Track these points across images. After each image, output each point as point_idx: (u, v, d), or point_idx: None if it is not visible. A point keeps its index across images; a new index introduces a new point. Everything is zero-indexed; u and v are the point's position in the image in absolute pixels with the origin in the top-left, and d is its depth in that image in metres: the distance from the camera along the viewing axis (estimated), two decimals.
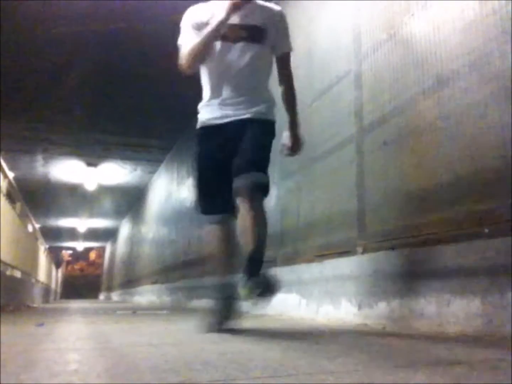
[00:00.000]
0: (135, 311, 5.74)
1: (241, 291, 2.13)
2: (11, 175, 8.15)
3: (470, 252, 2.09)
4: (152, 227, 12.17)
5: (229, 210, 2.33)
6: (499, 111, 2.02)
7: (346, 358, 1.41)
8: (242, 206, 2.19)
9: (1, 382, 1.09)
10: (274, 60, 2.47)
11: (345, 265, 3.05)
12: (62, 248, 29.37)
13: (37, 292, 12.28)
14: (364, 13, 3.13)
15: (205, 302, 6.24)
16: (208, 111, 2.39)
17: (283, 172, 4.09)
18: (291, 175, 3.89)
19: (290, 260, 3.80)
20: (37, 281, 12.39)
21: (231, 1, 2.21)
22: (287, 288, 3.57)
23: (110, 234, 22.28)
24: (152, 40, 5.71)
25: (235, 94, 2.32)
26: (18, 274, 8.76)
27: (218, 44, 2.31)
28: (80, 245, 27.26)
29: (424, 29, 2.53)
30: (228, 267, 2.39)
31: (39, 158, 10.38)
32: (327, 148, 3.48)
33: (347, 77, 3.27)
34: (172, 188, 9.92)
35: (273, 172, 2.61)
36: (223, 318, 2.28)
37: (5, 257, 6.60)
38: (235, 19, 2.29)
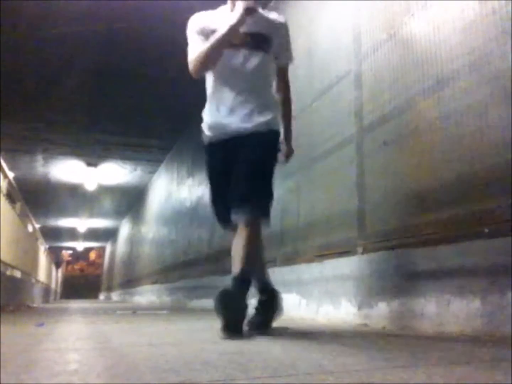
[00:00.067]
0: (135, 311, 5.74)
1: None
2: (11, 175, 8.16)
3: (470, 252, 2.09)
4: (152, 227, 12.17)
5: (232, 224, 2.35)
6: (499, 111, 2.02)
7: (346, 358, 1.41)
8: (239, 230, 2.23)
9: (1, 382, 1.09)
10: (277, 72, 2.49)
11: (345, 265, 3.05)
12: (62, 248, 29.37)
13: (37, 292, 12.28)
14: (364, 13, 3.13)
15: (205, 302, 6.25)
16: (213, 121, 2.38)
17: (283, 172, 4.10)
18: (291, 175, 3.89)
19: (290, 260, 3.80)
20: (37, 281, 12.39)
21: (244, 5, 2.17)
22: (287, 288, 3.57)
23: (110, 234, 22.28)
24: (152, 40, 5.71)
25: (239, 101, 2.31)
26: (18, 274, 8.76)
27: (226, 52, 2.29)
28: (80, 245, 27.26)
29: (424, 29, 2.53)
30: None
31: (39, 158, 10.38)
32: (327, 148, 3.48)
33: (347, 77, 3.27)
34: (172, 188, 9.92)
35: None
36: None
37: (5, 257, 6.60)
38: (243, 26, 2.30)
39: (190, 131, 8.02)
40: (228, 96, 2.32)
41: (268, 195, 2.30)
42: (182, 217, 8.67)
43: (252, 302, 2.31)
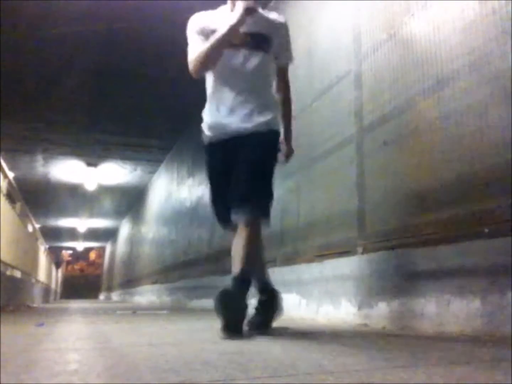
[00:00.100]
0: (135, 311, 5.74)
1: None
2: (11, 175, 8.16)
3: (470, 252, 2.09)
4: (152, 227, 12.17)
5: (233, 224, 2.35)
6: (499, 111, 2.02)
7: (346, 358, 1.42)
8: (239, 230, 2.23)
9: (1, 382, 1.09)
10: (277, 72, 2.49)
11: (345, 265, 3.05)
12: (62, 248, 29.37)
13: (37, 292, 12.28)
14: (364, 13, 3.13)
15: (205, 302, 6.25)
16: (213, 121, 2.38)
17: (283, 172, 4.10)
18: (291, 175, 3.89)
19: (290, 260, 3.80)
20: (37, 281, 12.39)
21: (244, 5, 2.17)
22: (287, 288, 3.57)
23: (110, 234, 22.28)
24: (152, 40, 5.71)
25: (239, 101, 2.31)
26: (18, 274, 8.76)
27: (227, 52, 2.29)
28: (80, 245, 27.26)
29: (424, 29, 2.53)
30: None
31: (39, 158, 10.38)
32: (327, 148, 3.48)
33: (347, 77, 3.27)
34: (172, 188, 9.92)
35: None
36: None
37: (5, 257, 6.60)
38: (243, 27, 2.30)
39: (190, 131, 8.02)
40: (228, 96, 2.32)
41: (268, 195, 2.30)
42: (182, 217, 8.68)
43: (252, 302, 2.31)
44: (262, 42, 2.34)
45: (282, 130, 2.48)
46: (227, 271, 5.37)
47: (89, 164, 10.78)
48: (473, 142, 2.16)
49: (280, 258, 3.97)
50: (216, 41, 2.22)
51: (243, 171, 2.27)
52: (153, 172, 11.82)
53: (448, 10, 2.37)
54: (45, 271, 15.21)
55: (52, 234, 20.42)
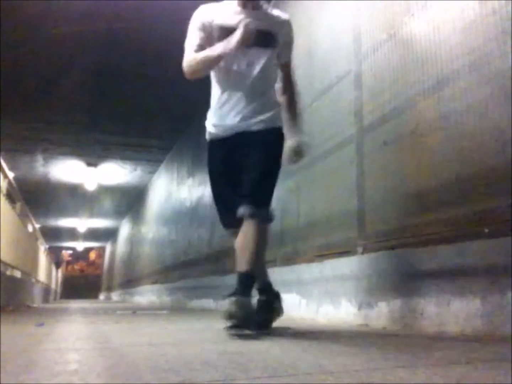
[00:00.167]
0: (135, 311, 5.75)
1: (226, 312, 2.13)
2: (11, 175, 8.16)
3: (470, 252, 2.09)
4: (152, 227, 12.17)
5: (238, 223, 2.33)
6: (499, 111, 2.02)
7: (346, 358, 1.41)
8: (246, 226, 2.23)
9: (1, 382, 1.09)
10: (280, 68, 2.51)
11: (345, 265, 3.05)
12: (62, 248, 29.38)
13: (37, 292, 12.28)
14: (364, 13, 3.13)
15: (205, 302, 6.25)
16: (218, 119, 2.38)
17: (283, 172, 4.09)
18: (291, 175, 3.89)
19: (290, 260, 3.80)
20: (37, 281, 12.39)
21: (242, 35, 2.17)
22: (287, 288, 3.57)
23: (110, 234, 22.28)
24: (152, 40, 5.71)
25: (246, 99, 2.31)
26: (18, 274, 8.76)
27: None
28: (80, 245, 27.27)
29: (424, 29, 2.53)
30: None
31: (39, 158, 10.38)
32: (327, 148, 3.48)
33: (347, 77, 3.27)
34: (172, 188, 9.92)
35: None
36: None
37: (5, 257, 6.60)
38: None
39: (190, 131, 8.02)
40: (234, 94, 2.33)
41: (272, 193, 2.33)
42: (182, 217, 8.68)
43: (253, 302, 2.31)
44: (269, 40, 2.36)
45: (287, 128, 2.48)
46: (227, 271, 5.38)
47: (89, 164, 10.79)
48: (473, 142, 2.16)
49: (280, 258, 3.97)
50: (208, 59, 2.23)
51: (255, 169, 2.28)
52: (153, 172, 11.82)
53: (448, 10, 2.37)
54: (45, 271, 15.21)
55: (52, 234, 20.42)
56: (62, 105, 7.68)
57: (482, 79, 2.13)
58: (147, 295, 11.67)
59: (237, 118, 2.32)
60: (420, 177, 2.49)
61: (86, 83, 6.93)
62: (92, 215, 17.23)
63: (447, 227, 2.26)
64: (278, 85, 2.53)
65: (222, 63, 2.31)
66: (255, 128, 2.32)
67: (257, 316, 2.30)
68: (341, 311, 2.97)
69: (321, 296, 3.26)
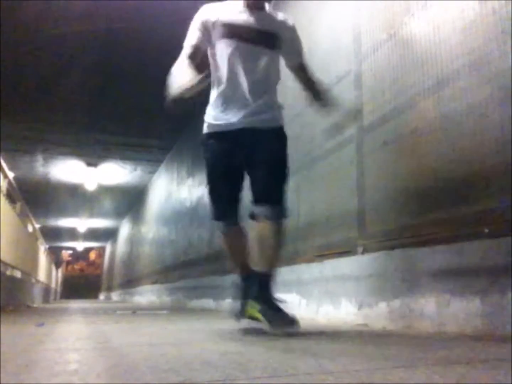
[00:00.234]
0: (135, 311, 5.75)
1: (253, 313, 2.24)
2: (11, 175, 8.16)
3: (470, 252, 2.09)
4: (152, 227, 12.17)
5: (234, 218, 2.39)
6: (499, 111, 2.02)
7: (346, 358, 1.41)
8: (263, 226, 2.27)
9: (1, 382, 1.09)
10: (291, 70, 2.54)
11: (345, 265, 3.05)
12: (62, 248, 29.37)
13: (37, 292, 12.29)
14: (364, 13, 3.13)
15: (205, 302, 6.25)
16: (219, 114, 2.37)
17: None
18: (291, 175, 3.88)
19: (290, 260, 3.80)
20: (37, 281, 12.40)
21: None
22: (287, 288, 3.57)
23: (110, 234, 22.28)
24: (152, 40, 5.71)
25: (249, 97, 2.31)
26: (18, 274, 8.76)
27: (234, 44, 2.30)
28: (80, 245, 27.26)
29: (424, 29, 2.53)
30: (243, 269, 2.47)
31: (39, 158, 10.38)
32: (327, 148, 3.48)
33: (347, 77, 3.27)
34: (172, 188, 9.92)
35: None
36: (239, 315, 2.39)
37: (5, 257, 6.60)
38: (252, 22, 2.32)
39: (190, 131, 8.02)
40: (237, 91, 2.32)
41: (285, 191, 2.38)
42: (182, 217, 8.68)
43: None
44: (272, 41, 2.37)
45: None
46: (227, 271, 5.37)
47: (89, 164, 10.78)
48: (473, 142, 2.16)
49: (280, 258, 3.97)
50: (182, 88, 2.20)
51: (265, 168, 2.31)
52: (153, 172, 11.82)
53: (448, 10, 2.37)
54: (45, 271, 15.21)
55: (52, 234, 20.42)
56: (62, 105, 7.67)
57: (482, 79, 2.13)
58: (147, 295, 11.67)
59: (240, 115, 2.31)
60: (420, 177, 2.49)
61: (86, 83, 6.92)
62: (92, 215, 17.23)
63: (447, 227, 2.26)
64: (299, 87, 2.58)
65: (225, 60, 2.30)
66: (258, 126, 2.32)
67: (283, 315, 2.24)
68: (341, 311, 2.97)
69: (321, 296, 3.26)
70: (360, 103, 3.10)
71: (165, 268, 9.89)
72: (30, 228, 11.08)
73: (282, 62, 2.52)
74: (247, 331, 2.32)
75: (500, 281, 1.90)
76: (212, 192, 2.44)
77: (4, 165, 7.29)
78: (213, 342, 1.95)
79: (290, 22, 2.48)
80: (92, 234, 21.82)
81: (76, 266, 35.24)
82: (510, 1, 1.99)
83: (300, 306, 3.46)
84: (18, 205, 8.72)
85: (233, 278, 2.65)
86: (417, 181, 2.52)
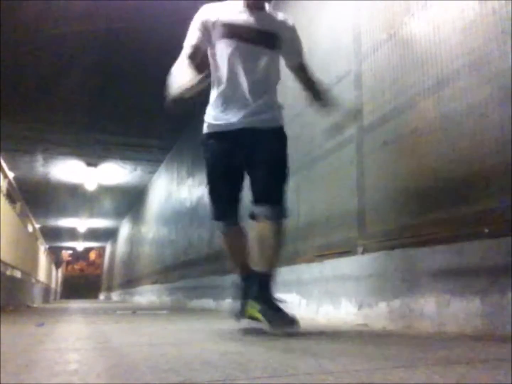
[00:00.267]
0: (135, 311, 5.75)
1: (253, 313, 2.25)
2: (11, 175, 8.16)
3: (470, 252, 2.09)
4: (152, 227, 12.17)
5: (234, 218, 2.38)
6: (499, 111, 2.02)
7: (346, 358, 1.41)
8: (263, 226, 2.28)
9: (1, 382, 1.09)
10: (291, 70, 2.54)
11: (345, 265, 3.05)
12: (62, 248, 29.37)
13: (37, 292, 12.29)
14: (364, 13, 3.13)
15: (205, 302, 6.25)
16: (219, 114, 2.36)
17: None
18: (291, 175, 3.88)
19: (290, 260, 3.80)
20: (37, 281, 12.40)
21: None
22: (287, 288, 3.57)
23: (110, 234, 22.28)
24: (152, 40, 5.71)
25: (249, 97, 2.31)
26: (18, 274, 8.76)
27: (234, 43, 2.30)
28: (80, 245, 27.26)
29: (424, 29, 2.53)
30: (243, 269, 2.47)
31: (39, 158, 10.38)
32: (327, 148, 3.48)
33: (347, 77, 3.27)
34: (172, 188, 9.92)
35: None
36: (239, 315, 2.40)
37: (5, 257, 6.60)
38: (252, 22, 2.32)
39: (190, 131, 8.02)
40: (237, 91, 2.31)
41: (285, 191, 2.38)
42: (182, 217, 8.68)
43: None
44: (272, 41, 2.37)
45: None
46: (227, 271, 5.37)
47: (89, 164, 10.78)
48: (473, 142, 2.16)
49: (280, 258, 3.97)
50: (182, 88, 2.21)
51: (266, 168, 2.31)
52: (153, 172, 11.82)
53: (448, 10, 2.37)
54: (45, 271, 15.21)
55: (52, 234, 20.42)
56: (62, 105, 7.67)
57: (482, 79, 2.13)
58: (147, 295, 11.67)
59: (240, 115, 2.31)
60: (420, 177, 2.49)
61: (86, 83, 6.92)
62: (92, 215, 17.23)
63: (447, 227, 2.26)
64: (299, 87, 2.58)
65: (225, 60, 2.30)
66: (258, 125, 2.32)
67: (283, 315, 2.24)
68: (341, 311, 2.97)
69: (321, 296, 3.26)
70: (360, 103, 3.10)
71: (165, 268, 9.89)
72: (30, 228, 11.08)
73: (282, 62, 2.53)
74: (247, 331, 2.32)
75: (500, 281, 1.90)
76: (212, 192, 2.44)
77: (4, 165, 7.29)
78: (213, 342, 1.95)
79: (290, 22, 2.48)
80: (92, 234, 21.82)
81: (76, 266, 35.24)
82: (510, 1, 1.99)
83: (300, 306, 3.46)
84: (18, 205, 8.72)
85: (233, 278, 2.66)
86: (417, 181, 2.52)
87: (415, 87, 2.57)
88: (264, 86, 2.36)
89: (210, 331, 2.58)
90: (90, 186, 11.88)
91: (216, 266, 6.12)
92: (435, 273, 2.27)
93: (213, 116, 2.39)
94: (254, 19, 2.34)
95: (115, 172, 11.62)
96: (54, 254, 24.79)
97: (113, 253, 23.05)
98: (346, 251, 3.07)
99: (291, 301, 3.49)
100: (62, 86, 6.87)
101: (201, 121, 2.48)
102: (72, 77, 6.60)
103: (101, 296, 27.40)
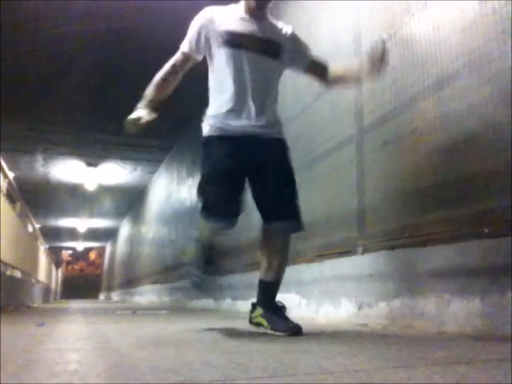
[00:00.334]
0: (135, 311, 5.75)
1: (257, 318, 2.32)
2: (11, 175, 8.16)
3: (470, 252, 2.09)
4: (152, 227, 12.17)
5: (234, 219, 2.30)
6: (499, 111, 2.02)
7: (346, 358, 1.41)
8: (274, 238, 2.38)
9: (1, 382, 1.09)
10: (306, 72, 2.51)
11: (345, 265, 3.05)
12: (62, 248, 29.38)
13: (37, 292, 12.29)
14: (364, 13, 3.13)
15: (205, 302, 6.25)
16: (225, 119, 2.30)
17: None
18: None
19: (290, 260, 3.79)
20: (37, 281, 12.39)
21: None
22: (287, 288, 3.56)
23: (110, 234, 22.28)
24: (152, 40, 5.71)
25: (254, 106, 2.28)
26: (18, 274, 8.76)
27: (238, 52, 2.26)
28: (80, 245, 27.26)
29: (424, 29, 2.53)
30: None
31: (39, 158, 10.38)
32: (327, 148, 3.48)
33: None
34: (172, 188, 9.92)
35: None
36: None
37: (5, 257, 6.60)
38: (256, 31, 2.30)
39: (190, 131, 8.02)
40: (243, 100, 2.27)
41: (302, 224, 2.47)
42: (182, 217, 8.67)
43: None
44: (276, 50, 2.34)
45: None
46: (227, 271, 5.37)
47: (89, 164, 10.79)
48: (473, 142, 2.16)
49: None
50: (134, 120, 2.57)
51: (286, 182, 2.37)
52: (153, 172, 11.82)
53: (448, 10, 2.37)
54: (45, 271, 15.21)
55: (52, 234, 20.42)
56: (62, 105, 7.67)
57: (482, 79, 2.13)
58: (147, 295, 11.66)
59: (248, 122, 2.27)
60: (420, 177, 2.49)
61: (86, 83, 6.92)
62: (92, 215, 17.23)
63: (447, 227, 2.26)
64: (318, 82, 2.54)
65: (229, 67, 2.27)
66: (265, 136, 2.29)
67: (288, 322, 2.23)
68: (341, 311, 2.97)
69: (321, 296, 3.26)
70: (360, 103, 3.10)
71: (165, 268, 9.89)
72: (30, 228, 11.08)
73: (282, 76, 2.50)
74: (247, 331, 2.32)
75: (500, 281, 1.90)
76: (212, 190, 2.31)
77: (4, 165, 7.29)
78: (213, 342, 1.95)
79: (290, 28, 2.42)
80: (92, 234, 21.82)
81: (76, 266, 35.24)
82: (510, 1, 1.99)
83: (300, 306, 3.46)
84: (18, 205, 8.72)
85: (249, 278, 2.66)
86: (417, 181, 2.52)
87: (415, 87, 2.57)
88: (269, 97, 2.34)
89: (210, 331, 2.58)
90: (90, 186, 11.88)
91: (216, 266, 6.11)
92: (435, 273, 2.27)
93: (218, 119, 2.32)
94: (257, 27, 2.30)
95: (115, 172, 11.62)
96: (54, 254, 24.79)
97: (113, 253, 23.05)
98: (346, 251, 3.07)
99: (291, 301, 3.49)
100: (62, 86, 6.87)
101: (201, 121, 2.47)
102: (72, 77, 6.60)
103: (101, 296, 27.40)
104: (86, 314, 5.42)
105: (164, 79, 2.49)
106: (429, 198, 2.42)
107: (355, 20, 3.23)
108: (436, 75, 2.42)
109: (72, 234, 21.34)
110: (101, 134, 9.09)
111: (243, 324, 2.40)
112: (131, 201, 14.90)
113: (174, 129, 8.58)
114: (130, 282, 15.45)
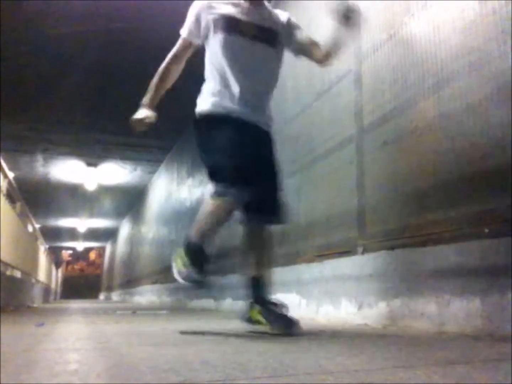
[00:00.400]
0: (135, 311, 5.75)
1: (255, 316, 2.31)
2: (11, 175, 8.16)
3: (470, 252, 2.09)
4: (152, 227, 12.17)
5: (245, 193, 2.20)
6: (499, 111, 2.02)
7: (346, 358, 1.41)
8: (256, 232, 2.39)
9: (1, 382, 1.09)
10: (306, 51, 2.52)
11: (345, 265, 3.05)
12: (62, 248, 29.37)
13: (37, 292, 12.28)
14: (364, 13, 3.12)
15: (205, 302, 6.24)
16: (225, 100, 2.26)
17: (283, 172, 4.09)
18: (291, 175, 3.89)
19: (290, 260, 3.80)
20: (37, 281, 12.39)
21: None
22: (287, 288, 3.57)
23: (110, 234, 22.28)
24: (152, 40, 5.70)
25: (252, 95, 2.28)
26: (18, 274, 8.76)
27: (237, 38, 2.27)
28: (80, 245, 27.26)
29: (424, 29, 2.53)
30: (213, 237, 2.54)
31: (39, 158, 10.38)
32: (327, 148, 3.48)
33: (347, 77, 3.27)
34: (172, 188, 9.92)
35: None
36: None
37: (5, 257, 6.60)
38: (253, 18, 2.31)
39: (190, 131, 8.01)
40: (241, 87, 2.26)
41: (285, 217, 2.46)
42: (182, 217, 8.67)
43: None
44: (274, 38, 2.35)
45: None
46: (227, 271, 5.37)
47: (89, 164, 10.78)
48: (473, 142, 2.16)
49: (280, 258, 3.97)
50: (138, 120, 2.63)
51: (273, 175, 2.36)
52: (153, 172, 11.81)
53: (448, 10, 2.36)
54: (45, 271, 15.21)
55: (52, 234, 20.41)
56: (62, 105, 7.67)
57: (482, 79, 2.13)
58: (147, 295, 11.66)
59: (247, 109, 2.27)
60: (420, 177, 2.49)
61: (86, 83, 6.92)
62: (92, 215, 17.23)
63: (447, 227, 2.25)
64: (318, 55, 2.55)
65: (226, 54, 2.27)
66: (262, 126, 2.33)
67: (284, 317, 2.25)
68: (341, 311, 2.97)
69: (321, 296, 3.26)
70: (360, 103, 3.10)
71: (165, 268, 9.88)
72: (30, 228, 11.08)
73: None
74: (247, 331, 2.32)
75: (500, 281, 1.90)
76: (233, 156, 2.18)
77: (4, 165, 7.29)
78: (213, 342, 1.95)
79: (286, 15, 2.47)
80: (92, 234, 21.82)
81: (76, 266, 35.23)
82: (510, 1, 1.99)
83: (300, 306, 3.46)
84: (18, 205, 8.72)
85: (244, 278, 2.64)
86: (417, 181, 2.52)
87: (415, 87, 2.57)
88: (264, 84, 2.36)
89: (210, 331, 2.58)
90: (90, 186, 11.88)
91: (216, 266, 6.11)
92: (435, 273, 2.27)
93: (219, 102, 2.27)
94: (255, 15, 2.32)
95: (115, 172, 11.62)
96: (54, 254, 24.80)
97: (113, 253, 23.05)
98: (346, 251, 3.07)
99: (291, 301, 3.49)
100: (62, 86, 6.87)
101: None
102: (72, 77, 6.59)
103: (101, 296, 27.39)
104: (86, 314, 5.42)
105: (167, 68, 2.47)
106: (429, 198, 2.42)
107: None
108: (436, 75, 2.41)
109: (72, 234, 21.33)
110: (101, 134, 9.08)
111: (243, 324, 2.40)
112: (131, 201, 14.89)
113: (174, 129, 8.57)
114: (130, 282, 15.44)
